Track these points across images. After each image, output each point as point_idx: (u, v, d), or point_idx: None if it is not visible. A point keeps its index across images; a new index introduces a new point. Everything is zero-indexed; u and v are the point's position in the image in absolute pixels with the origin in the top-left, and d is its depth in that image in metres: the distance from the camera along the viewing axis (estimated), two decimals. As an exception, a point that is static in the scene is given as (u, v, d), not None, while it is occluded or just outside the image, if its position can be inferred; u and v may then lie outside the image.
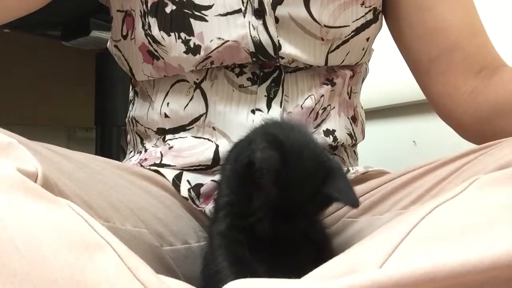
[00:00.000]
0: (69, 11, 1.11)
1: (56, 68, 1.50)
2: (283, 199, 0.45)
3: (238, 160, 0.49)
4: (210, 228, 0.53)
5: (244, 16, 0.61)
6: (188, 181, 0.62)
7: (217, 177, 0.62)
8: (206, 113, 0.64)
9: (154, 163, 0.65)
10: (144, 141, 0.71)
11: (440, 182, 0.50)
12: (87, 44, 1.15)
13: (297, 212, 0.46)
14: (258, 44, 0.61)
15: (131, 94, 0.77)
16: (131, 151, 0.75)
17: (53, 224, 0.32)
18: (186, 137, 0.65)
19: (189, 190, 0.62)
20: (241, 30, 0.61)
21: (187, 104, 0.65)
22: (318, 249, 0.52)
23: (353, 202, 0.46)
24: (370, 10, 0.66)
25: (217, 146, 0.62)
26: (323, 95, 0.66)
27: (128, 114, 0.76)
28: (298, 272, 0.38)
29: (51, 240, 0.31)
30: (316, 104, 0.65)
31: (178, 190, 0.62)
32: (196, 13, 0.61)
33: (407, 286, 0.29)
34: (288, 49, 0.62)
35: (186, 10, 0.61)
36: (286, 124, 0.53)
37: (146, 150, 0.69)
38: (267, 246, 0.49)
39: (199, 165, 0.63)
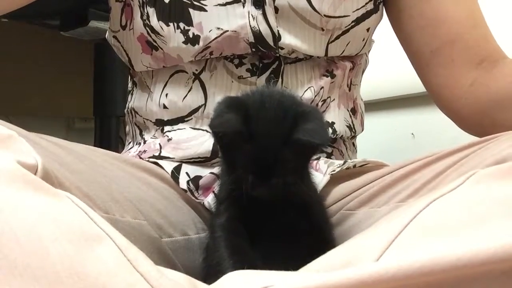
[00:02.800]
0: (68, 1, 1.11)
1: (55, 58, 1.50)
2: (259, 152, 0.45)
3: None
4: (211, 221, 0.53)
5: (244, 6, 0.61)
6: (187, 173, 0.62)
7: (216, 170, 0.63)
8: (205, 104, 0.64)
9: (153, 155, 0.65)
10: (143, 133, 0.71)
11: (438, 175, 0.50)
12: (86, 34, 1.14)
13: (280, 165, 0.46)
14: (257, 35, 0.61)
15: (129, 84, 0.77)
16: (130, 142, 0.75)
17: (53, 216, 0.32)
18: (184, 128, 0.65)
19: (188, 182, 0.62)
20: (241, 20, 0.61)
21: (186, 95, 0.65)
22: (318, 240, 0.52)
23: (321, 141, 0.45)
24: (370, 0, 0.66)
25: (216, 138, 0.62)
26: (322, 87, 0.66)
27: (127, 105, 0.76)
28: (297, 263, 0.39)
29: (51, 232, 0.31)
30: (315, 96, 0.65)
31: (177, 182, 0.62)
32: (195, 2, 0.61)
33: (404, 279, 0.29)
34: (288, 39, 0.62)
35: (185, 0, 0.61)
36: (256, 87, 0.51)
37: (145, 142, 0.69)
38: (268, 238, 0.50)
39: (198, 158, 0.63)
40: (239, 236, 0.49)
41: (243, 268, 0.39)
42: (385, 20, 0.72)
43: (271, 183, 0.46)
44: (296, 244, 0.50)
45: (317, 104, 0.66)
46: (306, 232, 0.51)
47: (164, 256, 0.56)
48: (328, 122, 0.67)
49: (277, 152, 0.45)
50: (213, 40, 0.61)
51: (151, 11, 0.63)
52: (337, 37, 0.65)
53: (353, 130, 0.71)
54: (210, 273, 0.50)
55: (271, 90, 0.51)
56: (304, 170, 0.52)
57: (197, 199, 0.62)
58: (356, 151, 0.75)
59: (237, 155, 0.47)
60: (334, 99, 0.68)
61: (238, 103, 0.47)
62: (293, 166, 0.47)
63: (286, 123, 0.46)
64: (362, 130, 0.75)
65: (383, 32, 0.72)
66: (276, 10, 0.61)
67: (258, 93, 0.49)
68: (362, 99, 0.77)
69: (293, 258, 0.43)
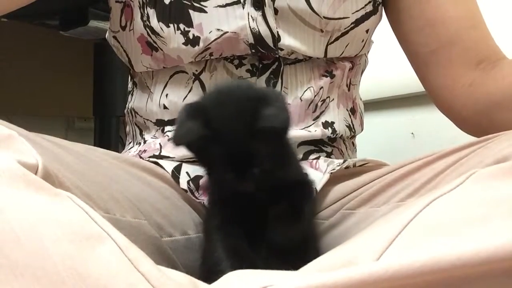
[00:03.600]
0: (68, 0, 1.11)
1: (55, 58, 1.50)
2: (231, 148, 0.45)
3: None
4: (205, 225, 0.53)
5: (243, 8, 0.61)
6: (187, 173, 0.62)
7: None
8: None
9: (153, 154, 0.65)
10: (143, 133, 0.71)
11: (437, 175, 0.50)
12: (86, 34, 1.14)
13: (254, 154, 0.46)
14: (257, 36, 0.61)
15: (130, 85, 0.77)
16: (130, 142, 0.75)
17: (54, 216, 0.32)
18: (185, 128, 0.65)
19: (188, 182, 0.62)
20: (240, 21, 0.61)
21: (186, 96, 0.65)
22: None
23: (282, 124, 0.45)
24: (369, 2, 0.66)
25: (216, 138, 0.62)
26: (322, 87, 0.66)
27: (127, 105, 0.76)
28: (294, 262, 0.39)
29: (52, 232, 0.31)
30: (315, 96, 0.65)
31: (178, 182, 0.62)
32: (195, 4, 0.61)
33: (404, 279, 0.29)
34: (288, 40, 0.62)
35: (185, 1, 0.61)
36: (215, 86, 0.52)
37: (145, 142, 0.69)
38: (263, 236, 0.50)
39: (199, 157, 0.63)
40: (235, 237, 0.49)
41: (242, 269, 0.39)
42: (384, 20, 0.72)
43: (253, 174, 0.46)
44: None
45: (316, 104, 0.66)
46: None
47: (165, 256, 0.56)
48: (328, 122, 0.67)
49: (246, 144, 0.46)
50: (213, 41, 0.61)
51: (151, 12, 0.63)
52: (337, 39, 0.65)
53: (353, 130, 0.71)
54: (208, 276, 0.50)
55: (227, 85, 0.51)
56: (283, 154, 0.52)
57: (198, 199, 0.62)
58: (356, 151, 0.75)
59: (211, 159, 0.47)
60: (333, 99, 0.68)
61: (196, 108, 0.47)
62: (268, 153, 0.47)
63: (246, 114, 0.46)
64: (362, 130, 0.75)
65: (383, 31, 0.72)
66: (276, 11, 0.61)
67: (215, 92, 0.50)
68: (361, 99, 0.77)
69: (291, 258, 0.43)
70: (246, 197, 0.48)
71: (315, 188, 0.59)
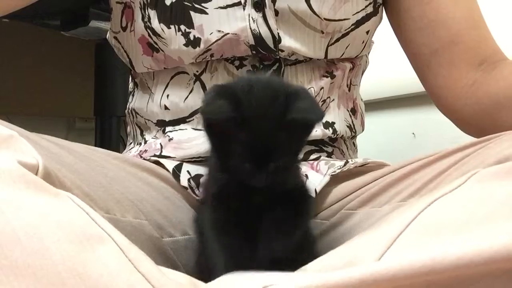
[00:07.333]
0: (69, 1, 1.11)
1: (56, 58, 1.50)
2: (256, 136, 0.45)
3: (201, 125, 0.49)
4: (200, 223, 0.53)
5: (244, 9, 0.61)
6: (188, 171, 0.62)
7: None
8: None
9: (154, 154, 0.65)
10: (144, 133, 0.72)
11: (439, 175, 0.50)
12: (86, 34, 1.15)
13: (276, 149, 0.45)
14: (257, 37, 0.61)
15: (130, 85, 0.77)
16: (131, 143, 0.75)
17: (55, 217, 0.33)
18: (186, 129, 0.65)
19: (189, 180, 0.62)
20: (241, 22, 0.61)
21: (187, 96, 0.65)
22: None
23: (316, 116, 0.45)
24: (370, 3, 0.66)
25: (217, 138, 0.62)
26: (322, 88, 0.66)
27: (127, 106, 0.76)
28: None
29: (53, 232, 0.31)
30: (315, 97, 0.65)
31: (178, 180, 0.62)
32: (196, 5, 0.61)
33: (405, 279, 0.29)
34: (288, 42, 0.62)
35: (186, 3, 0.61)
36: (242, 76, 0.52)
37: (146, 142, 0.69)
38: (259, 234, 0.50)
39: (199, 157, 0.63)
40: (231, 235, 0.49)
41: (236, 268, 0.38)
42: (385, 21, 0.72)
43: (269, 169, 0.45)
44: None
45: (317, 104, 0.66)
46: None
47: (165, 256, 0.56)
48: (329, 122, 0.67)
49: (272, 135, 0.45)
50: (214, 42, 0.61)
51: (152, 13, 0.63)
52: (337, 40, 0.65)
53: (353, 130, 0.71)
54: (205, 275, 0.50)
55: (257, 75, 0.50)
56: (297, 155, 0.51)
57: (198, 196, 0.62)
58: (357, 151, 0.75)
59: (230, 144, 0.45)
60: (333, 99, 0.68)
61: (227, 89, 0.46)
62: (289, 148, 0.46)
63: (277, 104, 0.45)
64: (363, 130, 0.75)
65: (384, 31, 0.72)
66: (276, 13, 0.61)
67: (245, 78, 0.49)
68: (362, 100, 0.77)
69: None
70: (249, 193, 0.47)
71: (315, 189, 0.59)
